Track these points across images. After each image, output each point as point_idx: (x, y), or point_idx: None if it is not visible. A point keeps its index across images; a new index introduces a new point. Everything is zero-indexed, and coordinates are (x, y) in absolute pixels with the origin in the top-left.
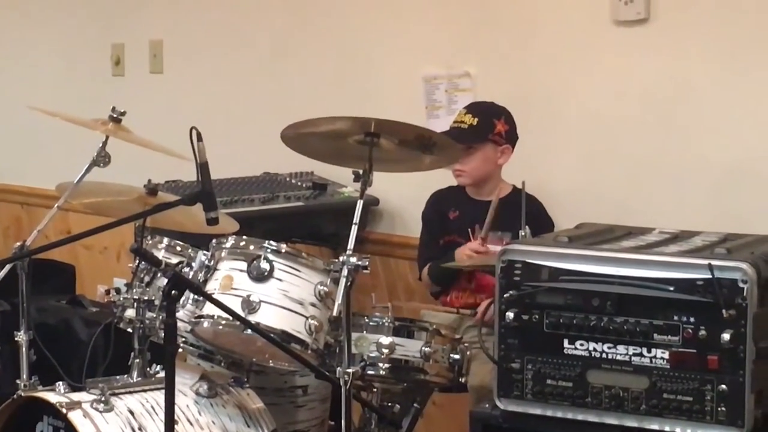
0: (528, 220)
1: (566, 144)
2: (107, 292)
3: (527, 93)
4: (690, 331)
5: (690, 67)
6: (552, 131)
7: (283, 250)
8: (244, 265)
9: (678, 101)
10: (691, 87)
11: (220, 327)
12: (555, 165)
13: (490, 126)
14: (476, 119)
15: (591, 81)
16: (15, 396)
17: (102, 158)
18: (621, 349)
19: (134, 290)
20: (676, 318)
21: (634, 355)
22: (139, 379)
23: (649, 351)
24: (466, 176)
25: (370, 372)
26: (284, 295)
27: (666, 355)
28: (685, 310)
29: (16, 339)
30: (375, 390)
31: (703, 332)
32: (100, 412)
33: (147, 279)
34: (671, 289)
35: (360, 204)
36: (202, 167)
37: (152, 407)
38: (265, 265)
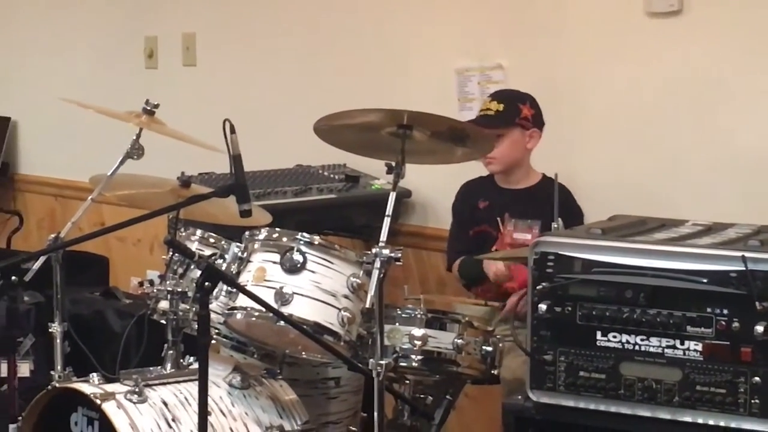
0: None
1: (598, 135)
2: (140, 284)
3: (559, 84)
4: (723, 323)
5: (723, 59)
6: (584, 123)
7: (316, 242)
8: (277, 257)
9: (711, 93)
10: (724, 79)
11: (253, 318)
12: (587, 156)
13: (516, 110)
14: (502, 105)
15: (624, 73)
16: (49, 387)
17: (135, 150)
18: (654, 341)
19: (168, 282)
20: (709, 310)
21: (667, 347)
22: (173, 370)
23: (682, 343)
24: (496, 163)
25: (402, 364)
26: (317, 287)
27: (699, 348)
28: (718, 302)
29: (50, 330)
30: (407, 382)
31: (736, 324)
32: (134, 403)
33: (180, 271)
34: (704, 281)
35: (393, 196)
36: (236, 159)
37: (185, 398)
38: (298, 257)
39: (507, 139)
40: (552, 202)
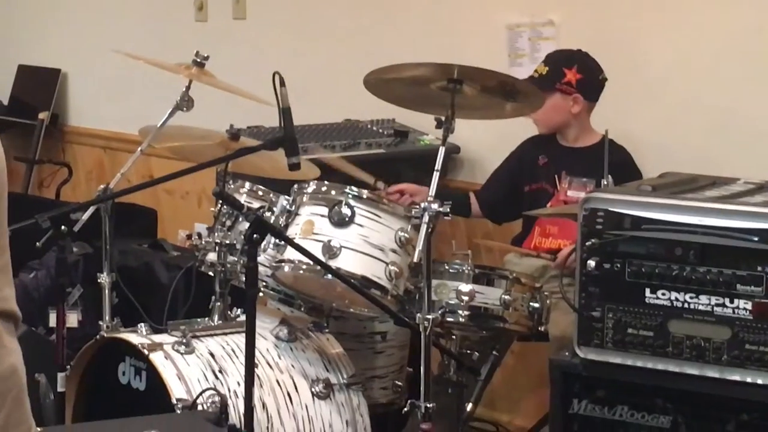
0: (615, 169)
1: (651, 93)
2: (188, 236)
3: (611, 41)
4: None
5: None
6: (636, 80)
7: (365, 196)
8: (325, 210)
9: (765, 52)
10: None
11: (301, 271)
12: (639, 114)
13: (558, 75)
14: (547, 68)
15: (677, 29)
16: (98, 337)
17: (185, 102)
18: (703, 299)
19: (216, 234)
20: (759, 268)
21: (717, 305)
22: (220, 322)
23: (731, 301)
24: (539, 124)
25: (449, 319)
26: (365, 241)
27: (749, 306)
28: None
29: (99, 281)
30: (454, 337)
31: None
32: (181, 354)
33: (229, 223)
34: (755, 239)
35: (442, 150)
36: (285, 112)
37: (233, 350)
38: (346, 211)
39: (548, 103)
40: (611, 162)
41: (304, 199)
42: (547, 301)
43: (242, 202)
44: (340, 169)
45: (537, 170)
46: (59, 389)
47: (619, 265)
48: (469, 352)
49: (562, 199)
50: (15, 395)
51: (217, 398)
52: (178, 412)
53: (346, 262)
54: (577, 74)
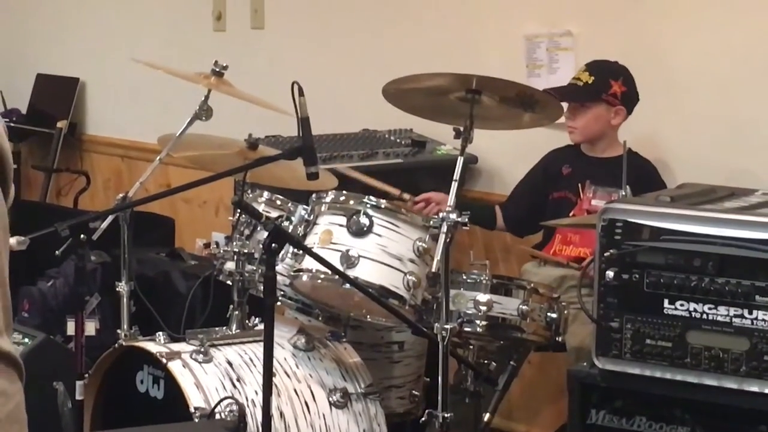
0: (640, 181)
1: (670, 104)
2: (206, 245)
3: (630, 52)
4: None
5: None
6: (655, 91)
7: (383, 206)
8: (343, 220)
9: None
10: None
11: (319, 281)
12: (660, 125)
13: (605, 85)
14: (593, 77)
15: (697, 40)
16: (116, 345)
17: (204, 111)
18: (722, 310)
19: (234, 243)
20: None
21: (735, 316)
22: (238, 331)
23: (750, 312)
24: (577, 133)
25: (467, 329)
26: (383, 251)
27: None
28: None
29: (117, 290)
30: (471, 347)
31: None
32: (200, 362)
33: (247, 232)
34: None
35: (461, 160)
36: (303, 122)
37: (250, 359)
38: (364, 220)
39: (591, 112)
40: (636, 174)
41: (323, 208)
42: (565, 312)
43: (260, 211)
44: (364, 183)
45: (561, 179)
46: (77, 397)
47: (637, 276)
48: (486, 362)
49: (585, 208)
50: None
51: (235, 407)
52: (196, 420)
53: (364, 272)
54: (622, 87)
